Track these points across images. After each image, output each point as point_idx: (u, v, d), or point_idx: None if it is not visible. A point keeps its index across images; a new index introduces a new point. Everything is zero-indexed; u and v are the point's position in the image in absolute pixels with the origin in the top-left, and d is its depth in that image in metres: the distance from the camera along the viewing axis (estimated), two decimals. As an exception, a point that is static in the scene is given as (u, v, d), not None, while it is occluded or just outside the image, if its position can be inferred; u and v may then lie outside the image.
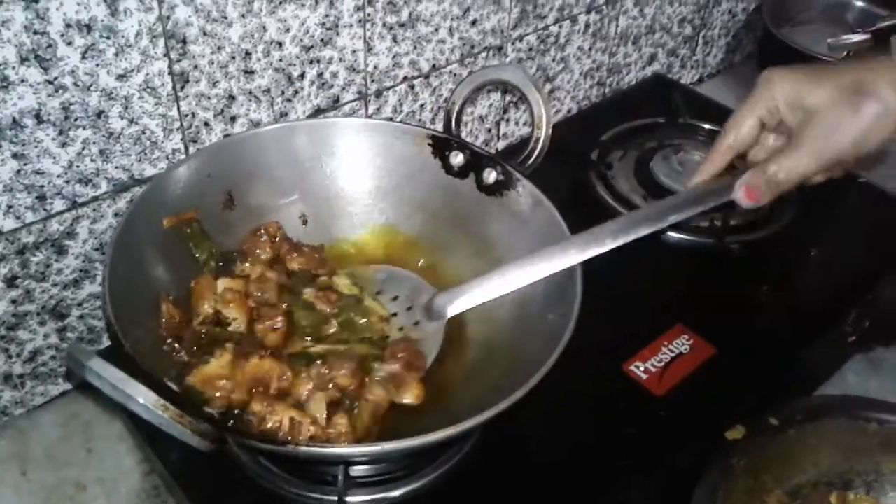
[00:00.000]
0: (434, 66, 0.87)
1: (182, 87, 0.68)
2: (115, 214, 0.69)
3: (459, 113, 0.74)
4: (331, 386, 0.59)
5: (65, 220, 0.67)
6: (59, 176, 0.65)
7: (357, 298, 0.68)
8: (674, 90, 1.10)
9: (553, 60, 1.01)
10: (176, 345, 0.60)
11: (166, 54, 0.66)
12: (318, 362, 0.61)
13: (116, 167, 0.68)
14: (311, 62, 0.76)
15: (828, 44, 1.13)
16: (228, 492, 0.63)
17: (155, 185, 0.65)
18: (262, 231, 0.69)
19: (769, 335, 0.78)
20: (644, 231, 0.60)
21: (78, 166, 0.65)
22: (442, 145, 0.73)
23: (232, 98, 0.72)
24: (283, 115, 0.77)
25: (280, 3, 0.70)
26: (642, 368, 0.73)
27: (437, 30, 0.85)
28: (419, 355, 0.63)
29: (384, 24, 0.80)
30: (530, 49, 0.97)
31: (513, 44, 0.94)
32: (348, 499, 0.60)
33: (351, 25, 0.77)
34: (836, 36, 1.14)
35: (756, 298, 0.83)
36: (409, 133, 0.73)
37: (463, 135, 0.76)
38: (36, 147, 0.62)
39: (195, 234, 0.67)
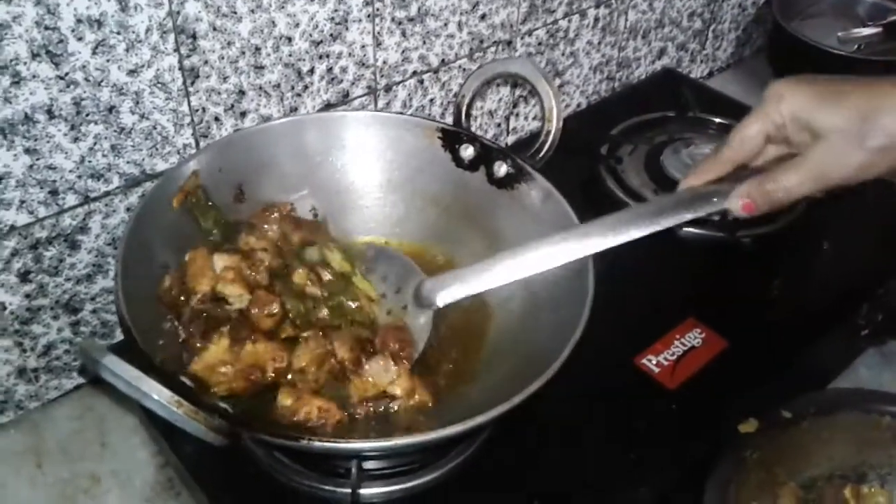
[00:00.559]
0: (443, 60, 0.87)
1: (192, 83, 0.68)
2: (127, 209, 0.70)
3: (469, 106, 0.74)
4: (332, 360, 0.60)
5: (77, 215, 0.67)
6: (71, 171, 0.65)
7: (347, 278, 0.66)
8: (683, 84, 1.09)
9: (562, 55, 1.01)
10: (175, 322, 0.60)
11: (176, 49, 0.66)
12: (320, 333, 0.61)
13: (128, 162, 0.68)
14: (320, 57, 0.76)
15: (838, 37, 1.13)
16: (243, 485, 0.63)
17: (166, 180, 0.65)
18: (276, 209, 0.69)
19: (781, 329, 0.78)
20: (637, 233, 0.58)
21: (90, 161, 0.66)
22: (452, 138, 0.73)
23: (242, 93, 0.72)
24: (294, 110, 0.77)
25: (290, -3, 0.70)
26: (654, 362, 0.73)
27: (445, 24, 0.84)
28: (410, 343, 0.62)
29: (393, 19, 0.80)
30: (539, 43, 0.96)
31: (522, 38, 0.94)
32: (362, 491, 0.60)
33: (360, 20, 0.77)
34: (846, 29, 1.14)
35: (768, 292, 0.83)
36: (420, 126, 0.73)
37: (472, 129, 0.76)
38: (48, 142, 0.63)
39: (200, 203, 0.66)
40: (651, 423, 0.68)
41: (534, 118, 1.04)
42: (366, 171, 0.74)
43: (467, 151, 0.73)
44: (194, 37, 0.66)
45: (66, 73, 0.61)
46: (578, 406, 0.69)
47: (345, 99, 0.81)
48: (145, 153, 0.69)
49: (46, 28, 0.58)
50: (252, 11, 0.69)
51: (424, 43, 0.84)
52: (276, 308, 0.62)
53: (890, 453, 0.67)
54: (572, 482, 0.64)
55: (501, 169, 0.72)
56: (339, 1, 0.74)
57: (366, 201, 0.75)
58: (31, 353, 0.70)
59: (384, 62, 0.82)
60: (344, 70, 0.79)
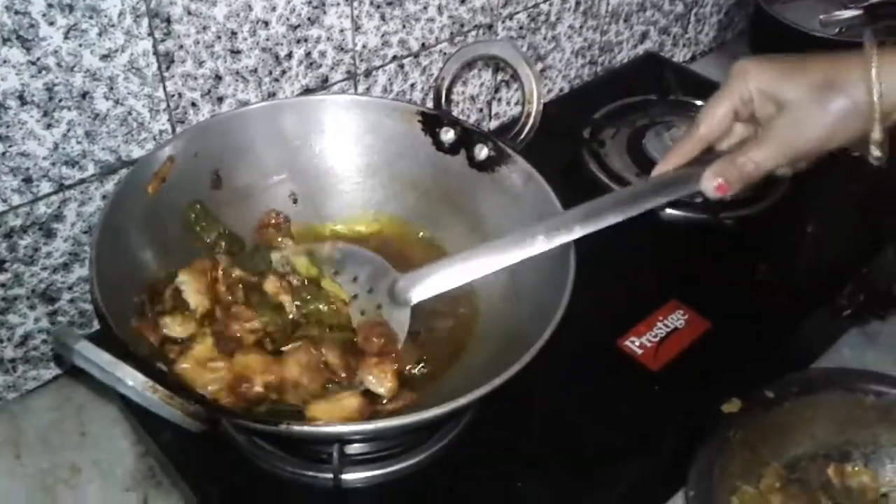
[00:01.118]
0: (423, 44, 0.86)
1: (168, 68, 0.68)
2: (103, 197, 0.69)
3: (449, 89, 0.74)
4: (322, 366, 0.59)
5: (52, 203, 0.66)
6: (44, 158, 0.64)
7: (316, 283, 0.66)
8: (666, 68, 1.09)
9: (544, 39, 1.00)
10: (145, 298, 0.60)
11: (150, 34, 0.65)
12: (310, 345, 0.60)
13: (103, 149, 0.67)
14: (298, 41, 0.75)
15: (820, 20, 1.13)
16: (224, 472, 0.62)
17: (140, 166, 0.64)
18: (268, 221, 0.69)
19: (764, 309, 0.78)
20: (613, 219, 0.59)
21: (64, 148, 0.65)
22: (432, 122, 0.72)
23: (219, 78, 0.72)
24: (272, 95, 0.76)
25: (266, -20, 0.70)
26: (637, 343, 0.72)
27: (425, 8, 0.84)
28: (392, 338, 0.62)
29: (372, 3, 0.79)
30: (521, 27, 0.96)
31: (503, 22, 0.93)
32: (344, 476, 0.60)
33: (338, 4, 0.76)
34: (828, 12, 1.14)
35: (751, 273, 0.83)
36: (399, 110, 0.73)
37: (454, 114, 0.76)
38: (20, 129, 0.62)
39: (201, 217, 0.66)
40: (634, 405, 0.68)
41: (516, 103, 1.03)
42: (345, 155, 0.74)
43: (448, 135, 0.72)
44: (168, 21, 0.65)
45: (38, 59, 0.60)
46: (562, 388, 0.69)
47: (324, 84, 0.80)
48: (120, 140, 0.68)
49: (17, 13, 0.57)
50: (227, -5, 0.68)
51: (404, 27, 0.83)
52: (256, 323, 0.61)
53: (873, 432, 0.67)
54: (555, 465, 0.64)
55: (482, 152, 0.71)
56: (317, -16, 0.73)
57: (345, 185, 0.74)
58: (7, 343, 0.70)
59: (363, 46, 0.81)
60: (323, 55, 0.78)
